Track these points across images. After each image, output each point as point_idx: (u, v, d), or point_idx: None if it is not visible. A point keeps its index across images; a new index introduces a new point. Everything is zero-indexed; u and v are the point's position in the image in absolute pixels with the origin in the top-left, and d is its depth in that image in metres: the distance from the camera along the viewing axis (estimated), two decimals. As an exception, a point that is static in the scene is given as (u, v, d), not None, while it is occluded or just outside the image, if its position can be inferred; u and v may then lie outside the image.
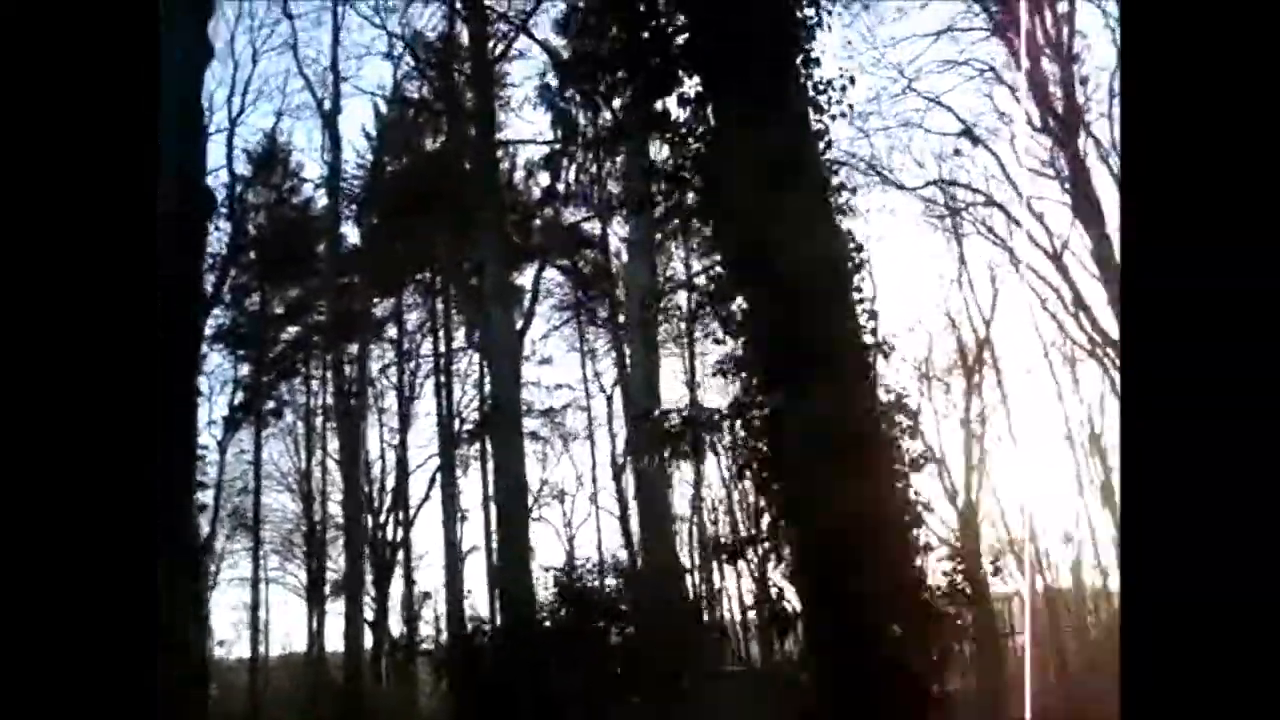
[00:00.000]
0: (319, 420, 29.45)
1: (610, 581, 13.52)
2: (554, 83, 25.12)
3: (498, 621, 21.60)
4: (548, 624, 11.44)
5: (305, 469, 28.61)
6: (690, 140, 7.38)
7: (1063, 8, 21.65)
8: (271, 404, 27.38)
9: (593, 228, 26.09)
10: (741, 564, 30.94)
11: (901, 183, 23.90)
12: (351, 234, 27.01)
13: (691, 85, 7.38)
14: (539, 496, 30.48)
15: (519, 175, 26.79)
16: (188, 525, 15.05)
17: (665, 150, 7.94)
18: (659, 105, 7.74)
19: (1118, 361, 23.17)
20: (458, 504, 27.96)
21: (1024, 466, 32.79)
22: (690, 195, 7.72)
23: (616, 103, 23.75)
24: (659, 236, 21.15)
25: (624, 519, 29.93)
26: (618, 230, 26.02)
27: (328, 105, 23.52)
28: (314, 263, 26.60)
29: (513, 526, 17.72)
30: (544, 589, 13.56)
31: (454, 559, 27.36)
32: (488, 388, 28.95)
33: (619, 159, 25.58)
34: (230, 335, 26.52)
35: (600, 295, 26.52)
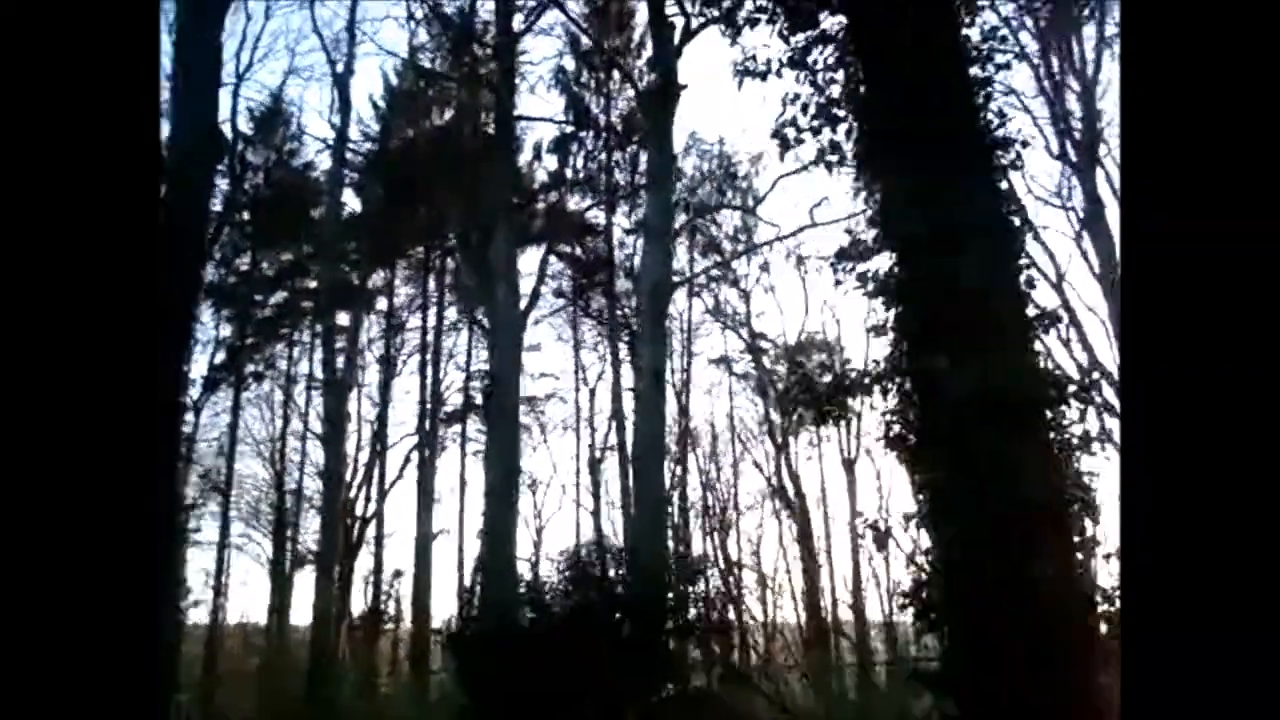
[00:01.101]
0: (299, 388, 29.03)
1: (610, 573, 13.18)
2: (570, 66, 24.97)
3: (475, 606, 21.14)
4: (555, 611, 11.11)
5: (281, 437, 28.12)
6: (839, 74, 7.08)
7: (1089, 38, 21.70)
8: (254, 367, 26.77)
9: (595, 216, 25.82)
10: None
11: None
12: (351, 201, 26.55)
13: (835, 21, 7.11)
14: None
15: (524, 158, 26.52)
16: (173, 485, 14.57)
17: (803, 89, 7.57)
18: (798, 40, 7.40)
19: (1110, 400, 23.28)
20: (433, 484, 27.61)
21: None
22: (841, 133, 7.37)
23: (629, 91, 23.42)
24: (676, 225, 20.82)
25: (596, 513, 29.75)
26: (621, 222, 25.83)
27: (340, 67, 22.97)
28: (310, 227, 26.06)
29: (500, 510, 17.35)
30: (536, 575, 13.26)
31: (425, 540, 26.98)
32: (475, 366, 28.76)
33: (630, 148, 25.42)
34: (217, 293, 25.90)
35: (596, 285, 26.18)
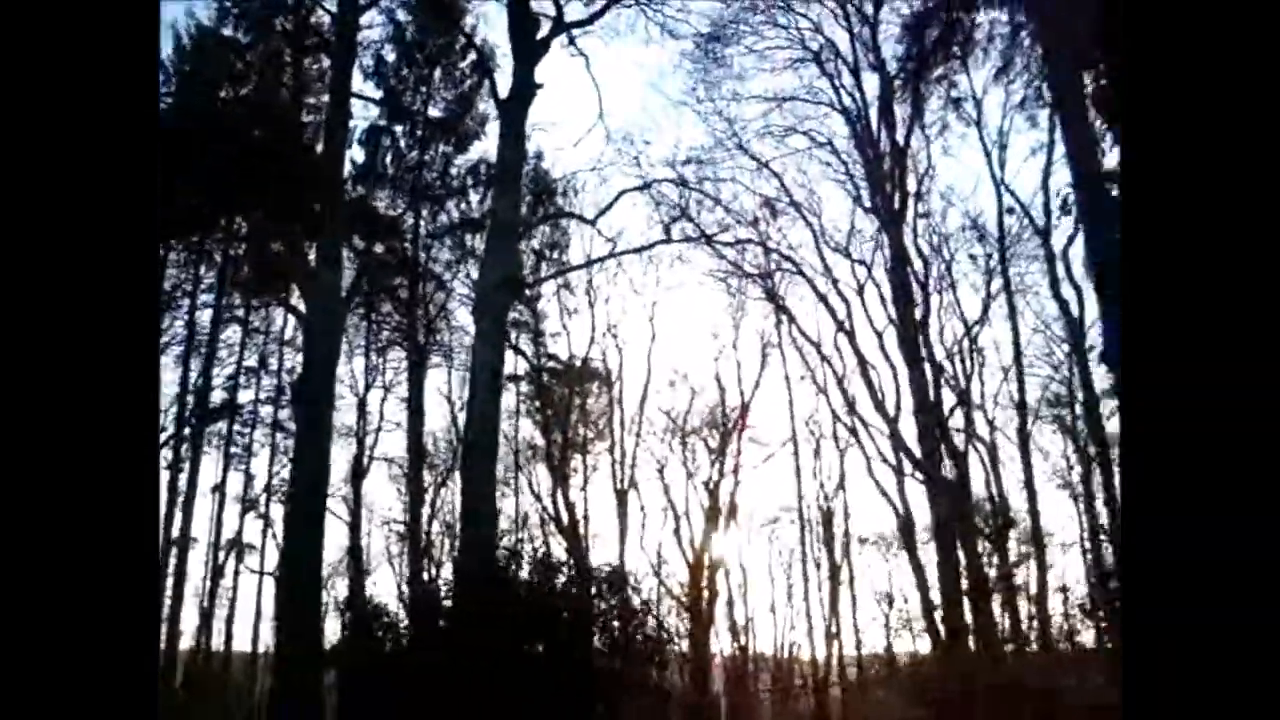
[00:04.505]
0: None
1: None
2: (390, 57, 23.78)
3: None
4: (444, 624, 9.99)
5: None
6: None
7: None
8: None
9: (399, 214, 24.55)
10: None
11: (711, 236, 23.64)
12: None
13: None
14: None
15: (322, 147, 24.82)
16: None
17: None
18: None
19: (867, 444, 24.25)
20: (195, 488, 25.12)
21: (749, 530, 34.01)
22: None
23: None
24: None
25: (355, 526, 28.05)
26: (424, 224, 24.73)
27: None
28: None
29: (309, 522, 15.90)
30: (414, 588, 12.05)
31: (183, 548, 24.53)
32: (246, 361, 26.35)
33: (442, 148, 24.51)
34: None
35: (397, 287, 24.87)
